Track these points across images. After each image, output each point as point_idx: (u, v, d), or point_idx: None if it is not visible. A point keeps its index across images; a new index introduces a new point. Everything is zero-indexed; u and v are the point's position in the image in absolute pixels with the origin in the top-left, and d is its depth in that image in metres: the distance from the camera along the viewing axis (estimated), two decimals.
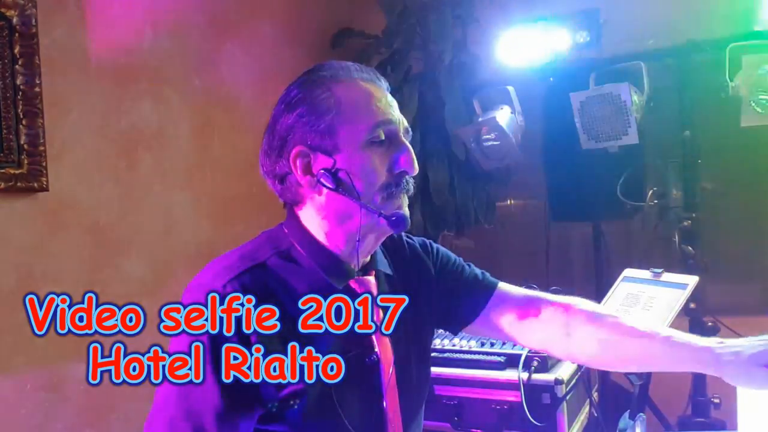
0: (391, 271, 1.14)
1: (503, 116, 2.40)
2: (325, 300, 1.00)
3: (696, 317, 2.06)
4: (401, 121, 1.05)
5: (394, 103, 1.06)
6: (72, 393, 2.00)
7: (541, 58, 2.37)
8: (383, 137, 1.01)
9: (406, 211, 1.04)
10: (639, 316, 1.44)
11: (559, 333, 1.17)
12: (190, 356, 0.94)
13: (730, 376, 0.99)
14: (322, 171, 0.99)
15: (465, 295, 1.20)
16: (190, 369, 0.94)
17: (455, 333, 1.28)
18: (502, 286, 1.23)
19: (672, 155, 2.17)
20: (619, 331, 1.13)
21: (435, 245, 1.24)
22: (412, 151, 1.04)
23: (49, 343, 1.94)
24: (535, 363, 1.81)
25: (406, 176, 1.03)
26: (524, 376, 1.80)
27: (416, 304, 1.13)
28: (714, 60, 2.02)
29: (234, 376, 0.93)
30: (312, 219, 1.05)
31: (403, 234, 1.20)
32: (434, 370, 1.91)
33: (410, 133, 1.08)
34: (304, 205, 1.05)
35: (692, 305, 2.01)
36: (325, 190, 1.00)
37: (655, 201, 2.18)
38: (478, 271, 1.24)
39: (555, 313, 1.18)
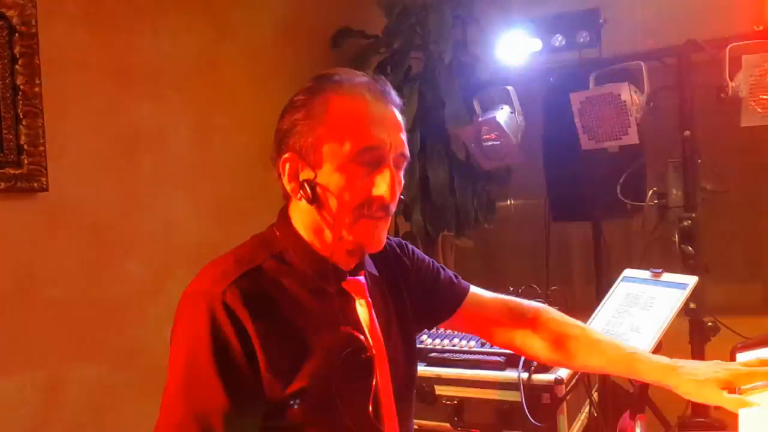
0: (376, 272, 1.18)
1: (503, 116, 2.40)
2: (320, 301, 1.04)
3: (696, 317, 2.05)
4: (394, 146, 1.03)
5: (397, 125, 1.05)
6: (72, 393, 2.00)
7: (541, 58, 2.37)
8: (367, 161, 1.00)
9: (378, 236, 1.05)
10: (639, 316, 1.44)
11: (526, 336, 1.28)
12: (193, 361, 0.95)
13: (685, 390, 1.11)
14: (303, 181, 1.01)
15: (440, 294, 1.28)
16: (192, 375, 0.95)
17: (429, 329, 1.38)
18: (475, 289, 1.32)
19: (672, 155, 2.16)
20: (584, 341, 1.25)
21: (410, 246, 1.30)
22: (395, 178, 1.02)
23: (49, 343, 1.94)
24: (535, 363, 1.81)
25: (384, 203, 1.02)
26: (524, 376, 1.80)
27: (401, 302, 1.20)
28: (714, 60, 2.02)
29: (238, 378, 0.95)
30: (299, 221, 1.08)
31: None
32: (434, 370, 1.94)
33: (406, 157, 1.06)
34: (296, 207, 1.08)
35: (692, 305, 2.01)
36: (305, 201, 1.03)
37: (655, 201, 2.17)
38: (451, 273, 1.32)
39: (524, 317, 1.29)
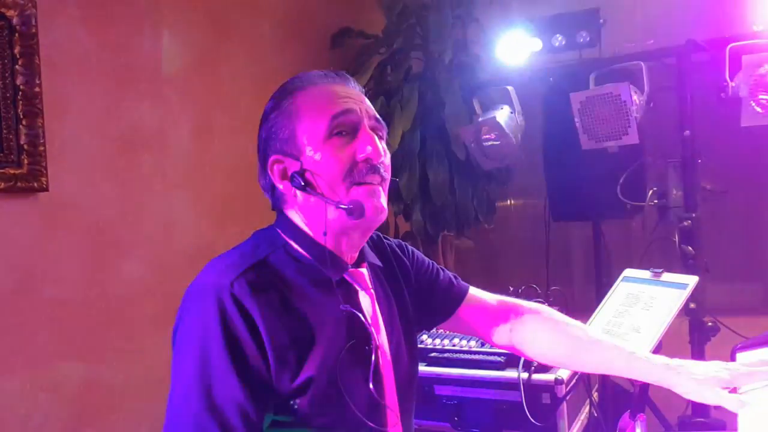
0: (381, 263, 1.20)
1: (503, 116, 2.40)
2: (324, 292, 1.05)
3: (696, 317, 2.06)
4: (366, 111, 1.07)
5: (360, 96, 1.09)
6: (72, 393, 2.00)
7: (541, 58, 2.37)
8: (343, 129, 1.04)
9: (377, 201, 1.05)
10: (639, 316, 1.44)
11: (525, 336, 1.29)
12: (205, 353, 0.95)
13: (685, 390, 1.11)
14: (293, 174, 1.04)
15: (440, 295, 1.30)
16: (206, 367, 0.94)
17: (428, 329, 1.38)
18: (474, 290, 1.34)
19: (672, 155, 2.17)
20: (584, 341, 1.25)
21: (410, 247, 1.32)
22: (376, 138, 1.05)
23: (49, 343, 1.94)
24: (535, 363, 1.81)
25: (373, 164, 1.04)
26: (524, 376, 1.80)
27: (403, 299, 1.22)
28: (714, 60, 2.02)
29: (250, 369, 0.95)
30: (299, 219, 1.09)
31: (381, 235, 1.27)
32: (434, 370, 1.94)
33: (381, 122, 1.09)
34: (291, 209, 1.10)
35: (692, 305, 2.02)
36: (300, 193, 1.05)
37: (655, 201, 2.18)
38: (450, 275, 1.34)
39: (523, 317, 1.30)
